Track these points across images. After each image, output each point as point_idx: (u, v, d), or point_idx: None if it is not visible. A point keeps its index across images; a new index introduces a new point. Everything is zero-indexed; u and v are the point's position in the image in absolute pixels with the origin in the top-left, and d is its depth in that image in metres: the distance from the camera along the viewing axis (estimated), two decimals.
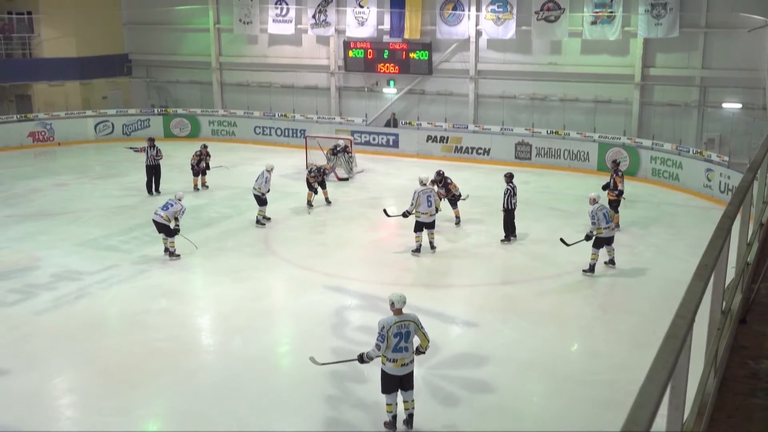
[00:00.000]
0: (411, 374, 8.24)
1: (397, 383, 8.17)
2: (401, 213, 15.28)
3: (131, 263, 14.49)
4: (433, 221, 14.97)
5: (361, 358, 8.34)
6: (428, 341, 8.27)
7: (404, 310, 8.15)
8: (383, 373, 8.18)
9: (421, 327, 8.14)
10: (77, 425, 9.01)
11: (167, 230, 14.46)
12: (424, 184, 15.03)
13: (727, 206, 4.13)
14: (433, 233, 15.05)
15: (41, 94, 29.10)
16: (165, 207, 14.43)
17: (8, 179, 21.88)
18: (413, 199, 14.77)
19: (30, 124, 27.24)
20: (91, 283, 13.40)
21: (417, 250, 14.90)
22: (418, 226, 14.88)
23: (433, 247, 15.01)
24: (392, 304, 8.05)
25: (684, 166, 20.79)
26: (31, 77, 28.73)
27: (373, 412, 8.66)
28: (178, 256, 14.65)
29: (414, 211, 14.81)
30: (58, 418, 9.20)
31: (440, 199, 15.88)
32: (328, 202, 18.76)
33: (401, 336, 7.96)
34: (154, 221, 14.44)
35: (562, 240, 14.18)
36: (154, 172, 19.93)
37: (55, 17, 28.59)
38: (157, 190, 19.86)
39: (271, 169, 17.05)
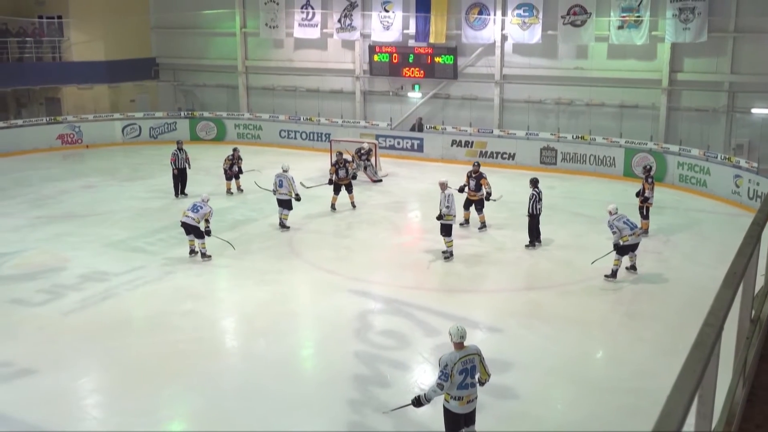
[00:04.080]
0: (474, 409, 7.62)
1: (462, 421, 7.56)
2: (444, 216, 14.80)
3: (157, 265, 14.61)
4: None
5: (419, 401, 7.59)
6: (489, 375, 7.58)
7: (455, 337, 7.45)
8: (447, 412, 7.52)
9: (483, 359, 7.51)
10: (102, 425, 9.11)
11: (197, 232, 14.57)
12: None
13: (756, 213, 4.08)
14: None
15: (70, 97, 29.48)
16: (194, 209, 14.52)
17: (37, 181, 22.19)
18: (450, 202, 14.57)
19: (59, 127, 27.58)
20: (118, 284, 13.54)
21: (451, 255, 14.84)
22: (450, 230, 14.80)
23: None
24: (452, 338, 7.39)
25: (712, 172, 20.56)
26: (60, 80, 29.08)
27: (395, 418, 8.63)
28: (210, 256, 14.75)
29: (448, 214, 14.64)
30: (84, 418, 9.29)
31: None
32: (353, 206, 18.79)
33: (467, 372, 7.33)
34: (184, 223, 14.54)
35: (595, 261, 13.96)
36: (180, 176, 20.08)
37: (85, 21, 28.95)
38: (183, 192, 20.01)
39: (288, 169, 17.11)
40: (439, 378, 7.31)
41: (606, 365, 11.07)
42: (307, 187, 19.15)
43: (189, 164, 20.24)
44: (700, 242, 16.51)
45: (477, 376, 7.51)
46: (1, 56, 27.69)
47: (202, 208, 14.53)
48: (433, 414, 8.11)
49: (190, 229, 14.59)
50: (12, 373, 10.09)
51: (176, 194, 19.96)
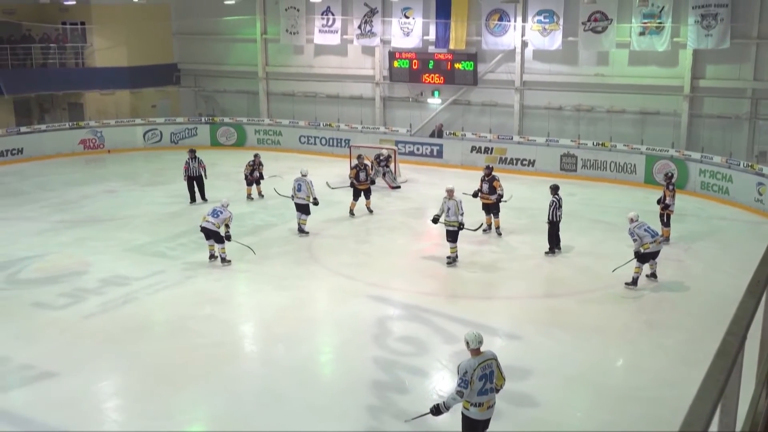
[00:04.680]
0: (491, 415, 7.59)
1: (480, 428, 7.53)
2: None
3: (177, 269, 14.70)
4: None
5: (438, 410, 7.53)
6: (504, 379, 7.56)
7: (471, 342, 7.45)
8: (466, 419, 7.47)
9: (499, 364, 7.50)
10: (122, 427, 9.19)
11: (217, 236, 14.64)
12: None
13: None
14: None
15: (93, 103, 29.76)
16: (214, 214, 14.59)
17: (60, 185, 22.41)
18: (461, 209, 14.69)
19: (81, 132, 27.85)
20: (138, 288, 13.63)
21: (454, 260, 14.89)
22: (456, 236, 14.82)
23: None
24: (468, 345, 7.40)
25: (734, 180, 20.36)
26: (83, 86, 29.39)
27: (414, 425, 8.61)
28: (229, 261, 14.81)
29: (456, 220, 14.74)
30: (103, 421, 9.37)
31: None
32: (370, 211, 18.82)
33: (486, 377, 7.31)
34: (204, 228, 14.61)
35: (616, 269, 13.88)
36: (195, 182, 20.11)
37: (108, 28, 29.23)
38: (203, 198, 20.07)
39: (307, 173, 17.16)
40: (459, 385, 7.28)
41: (626, 373, 10.97)
42: (333, 188, 19.20)
43: (205, 172, 20.16)
44: (722, 250, 16.34)
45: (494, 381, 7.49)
46: (24, 62, 28.06)
47: (222, 213, 14.59)
48: (451, 421, 8.09)
49: (210, 234, 14.66)
50: (33, 376, 10.20)
51: (192, 200, 19.98)
